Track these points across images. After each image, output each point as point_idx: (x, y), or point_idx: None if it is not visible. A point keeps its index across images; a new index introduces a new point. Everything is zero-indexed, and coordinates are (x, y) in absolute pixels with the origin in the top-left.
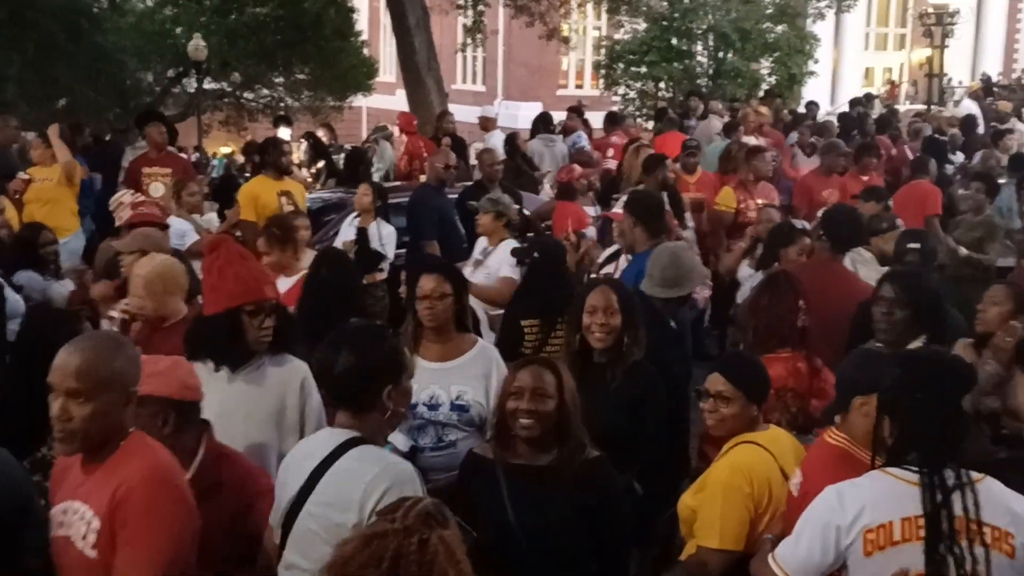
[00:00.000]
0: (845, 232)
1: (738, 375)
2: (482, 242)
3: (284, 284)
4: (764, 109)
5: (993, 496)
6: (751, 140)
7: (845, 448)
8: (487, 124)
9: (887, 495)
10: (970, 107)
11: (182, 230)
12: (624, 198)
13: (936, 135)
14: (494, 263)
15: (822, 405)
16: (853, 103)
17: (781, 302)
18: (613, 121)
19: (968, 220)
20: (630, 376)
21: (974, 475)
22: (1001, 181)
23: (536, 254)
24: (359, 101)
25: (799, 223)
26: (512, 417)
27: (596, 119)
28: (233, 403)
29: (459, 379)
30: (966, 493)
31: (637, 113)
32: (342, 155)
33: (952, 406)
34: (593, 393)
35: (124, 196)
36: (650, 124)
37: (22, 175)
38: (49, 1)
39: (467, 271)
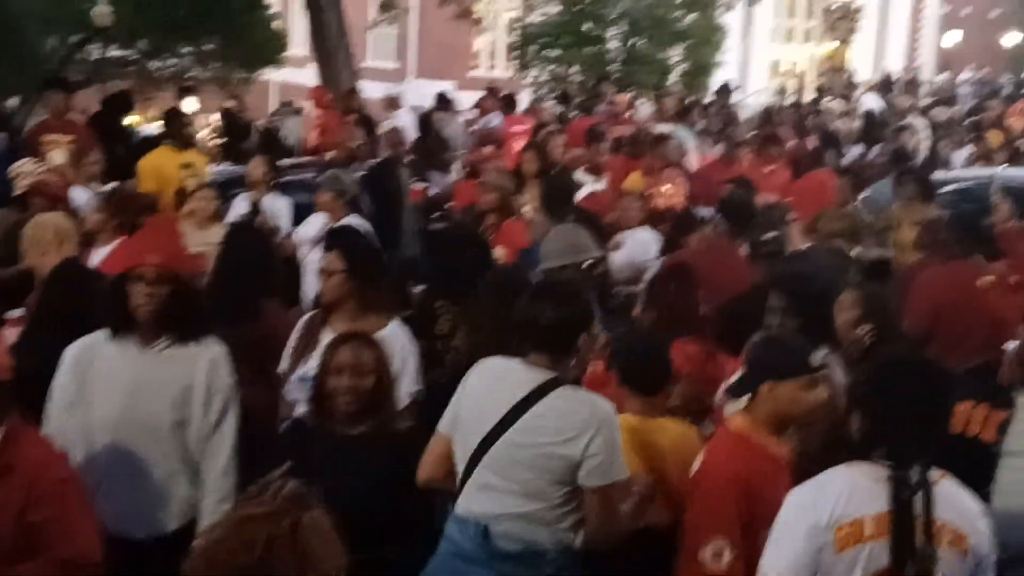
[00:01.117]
0: (741, 218)
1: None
2: (320, 218)
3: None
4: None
5: (951, 496)
6: (662, 128)
7: (745, 435)
8: (392, 103)
9: (857, 490)
10: (871, 102)
11: (83, 199)
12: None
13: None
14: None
15: (715, 390)
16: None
17: (681, 290)
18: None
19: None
20: None
21: (935, 473)
22: None
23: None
24: (268, 74)
25: (702, 211)
26: (333, 394)
27: None
28: (142, 379)
29: None
30: (928, 491)
31: (548, 96)
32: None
33: (925, 404)
34: None
35: (25, 165)
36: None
37: None
38: None
39: (306, 249)
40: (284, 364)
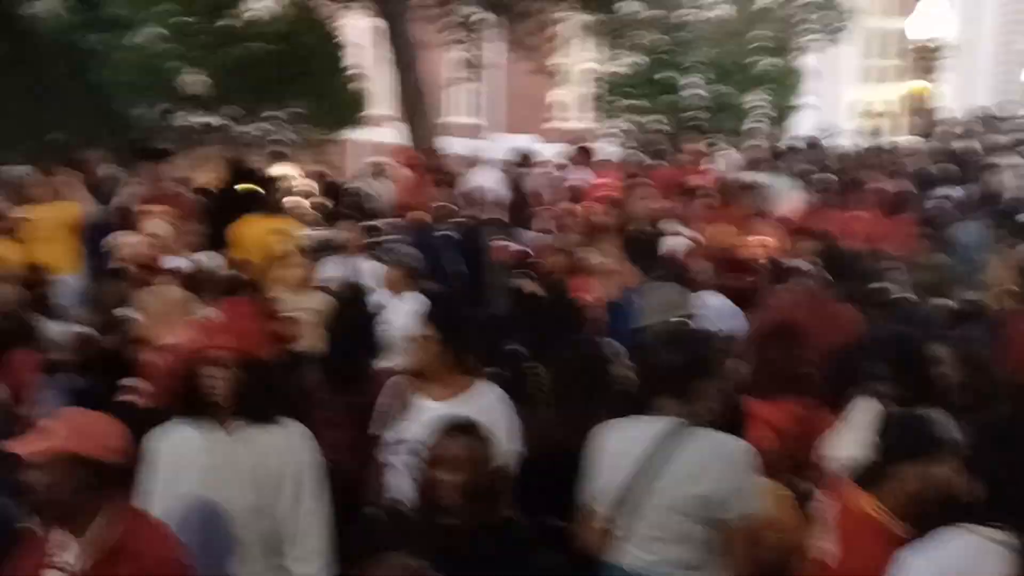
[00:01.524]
0: (840, 268)
1: None
2: (385, 294)
3: None
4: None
5: None
6: (749, 176)
7: (882, 524)
8: (476, 161)
9: (977, 557)
10: (965, 140)
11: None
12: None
13: (925, 168)
14: (398, 318)
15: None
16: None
17: (784, 348)
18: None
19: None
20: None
21: None
22: None
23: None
24: (349, 134)
25: (793, 262)
26: (438, 486)
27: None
28: (219, 463)
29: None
30: None
31: (631, 146)
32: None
33: None
34: None
35: (123, 236)
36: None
37: (21, 213)
38: (49, 38)
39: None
40: (377, 427)
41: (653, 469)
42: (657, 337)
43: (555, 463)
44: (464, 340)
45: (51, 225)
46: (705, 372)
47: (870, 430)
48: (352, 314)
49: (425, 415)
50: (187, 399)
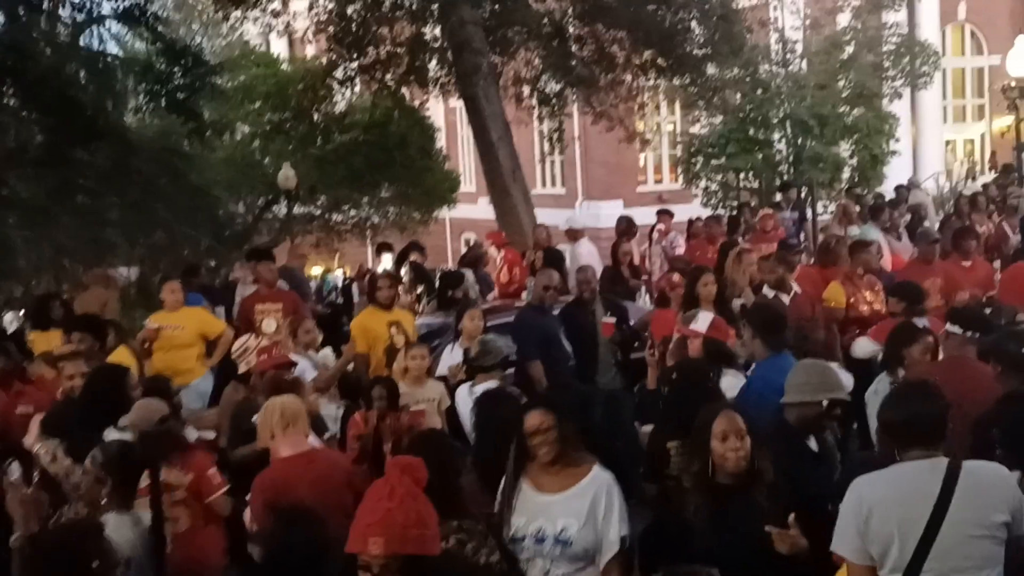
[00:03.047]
0: (977, 325)
1: None
2: (437, 387)
3: None
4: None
5: None
6: (854, 231)
7: None
8: (574, 235)
9: None
10: None
11: (301, 368)
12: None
13: None
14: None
15: None
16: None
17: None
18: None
19: None
20: (773, 495)
21: None
22: None
23: (675, 374)
24: (443, 213)
25: (920, 321)
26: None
27: (679, 212)
28: None
29: (565, 512)
30: None
31: (720, 206)
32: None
33: None
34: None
35: (248, 341)
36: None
37: (151, 324)
38: (148, 146)
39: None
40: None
41: (943, 509)
42: (903, 390)
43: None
44: (577, 430)
45: (181, 335)
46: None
47: None
48: (500, 417)
49: (530, 508)
50: None
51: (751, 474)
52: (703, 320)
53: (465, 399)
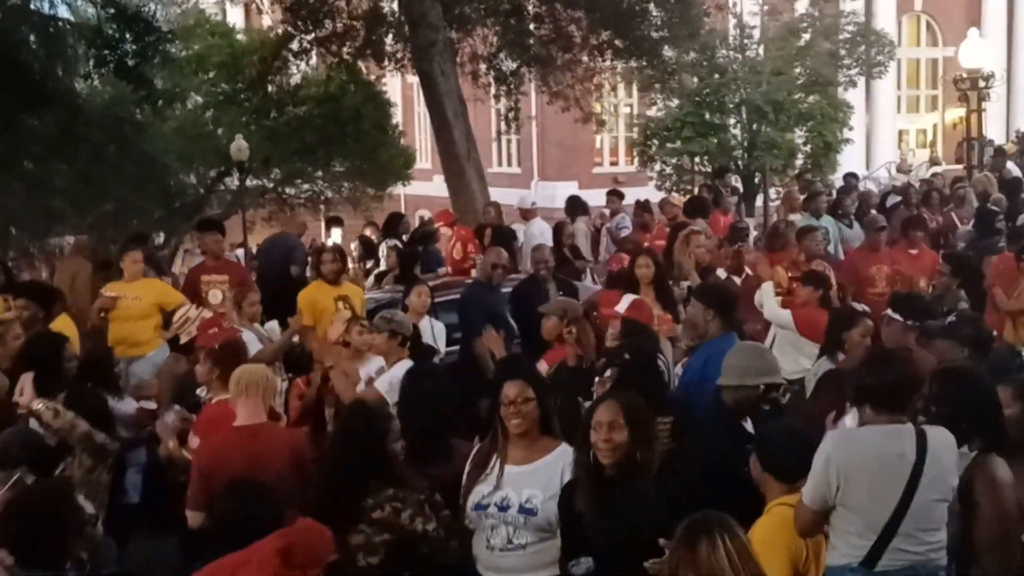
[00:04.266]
0: (916, 313)
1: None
2: (377, 361)
3: None
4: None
5: None
6: (796, 218)
7: None
8: (527, 214)
9: None
10: (1014, 169)
11: (246, 340)
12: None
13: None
14: (384, 386)
15: None
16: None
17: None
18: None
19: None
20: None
21: None
22: None
23: (626, 355)
24: (397, 189)
25: (858, 306)
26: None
27: (632, 195)
28: None
29: (532, 483)
30: None
31: (674, 188)
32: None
33: None
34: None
35: (189, 311)
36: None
37: (108, 293)
38: (98, 113)
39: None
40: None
41: (918, 474)
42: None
43: None
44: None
45: (139, 306)
46: (917, 385)
47: None
48: (430, 391)
49: (500, 478)
50: None
51: (633, 464)
52: (624, 302)
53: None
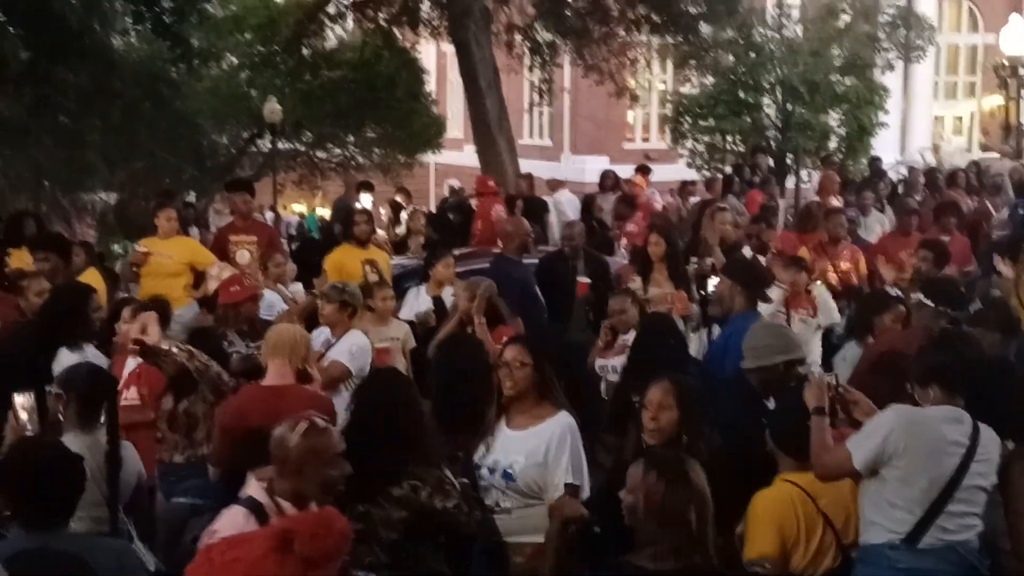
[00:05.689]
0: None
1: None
2: (324, 332)
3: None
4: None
5: None
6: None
7: None
8: (556, 185)
9: None
10: None
11: (270, 301)
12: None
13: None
14: (345, 356)
15: None
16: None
17: (886, 383)
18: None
19: None
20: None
21: None
22: None
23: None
24: (428, 158)
25: (891, 290)
26: None
27: (663, 172)
28: None
29: (519, 449)
30: None
31: (705, 167)
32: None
33: None
34: None
35: (212, 268)
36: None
37: (141, 248)
38: (133, 69)
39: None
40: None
41: (970, 455)
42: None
43: None
44: (552, 369)
45: (171, 264)
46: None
47: None
48: (461, 360)
49: (496, 441)
50: None
51: (678, 448)
52: None
53: None
